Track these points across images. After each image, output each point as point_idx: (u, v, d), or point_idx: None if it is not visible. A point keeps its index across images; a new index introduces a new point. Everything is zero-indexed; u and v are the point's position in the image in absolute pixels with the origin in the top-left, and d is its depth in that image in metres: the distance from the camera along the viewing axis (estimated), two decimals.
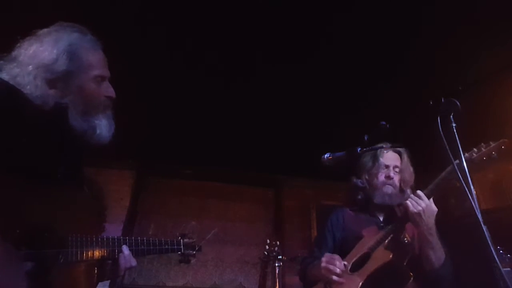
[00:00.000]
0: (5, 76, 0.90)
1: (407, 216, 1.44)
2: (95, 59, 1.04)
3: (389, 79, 2.66)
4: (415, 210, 1.37)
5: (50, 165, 0.87)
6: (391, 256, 1.39)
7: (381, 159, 1.69)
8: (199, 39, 2.34)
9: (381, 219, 1.67)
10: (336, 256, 1.47)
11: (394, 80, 2.67)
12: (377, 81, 2.69)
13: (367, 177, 1.73)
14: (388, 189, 1.64)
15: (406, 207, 1.40)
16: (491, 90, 2.63)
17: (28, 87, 0.90)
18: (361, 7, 2.09)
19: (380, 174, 1.67)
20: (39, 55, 0.93)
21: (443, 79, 2.53)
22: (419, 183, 1.54)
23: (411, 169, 1.72)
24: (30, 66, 0.91)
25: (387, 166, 1.68)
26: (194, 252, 1.34)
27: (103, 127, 1.04)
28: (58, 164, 0.91)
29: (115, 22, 2.18)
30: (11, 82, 0.89)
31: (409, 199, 1.41)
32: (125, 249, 1.05)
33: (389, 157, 1.71)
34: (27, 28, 0.97)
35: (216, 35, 2.31)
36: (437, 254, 1.39)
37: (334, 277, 1.41)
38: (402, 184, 1.68)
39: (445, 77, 2.53)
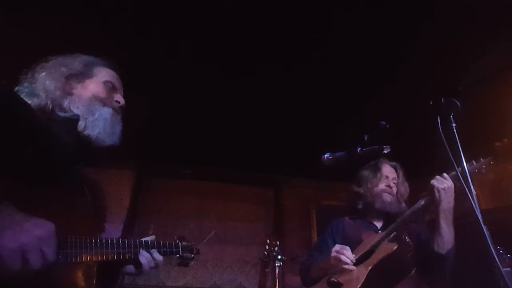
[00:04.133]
0: (26, 85, 1.03)
1: (410, 218, 1.55)
2: (106, 71, 1.18)
3: (389, 79, 2.66)
4: (442, 186, 1.49)
5: (49, 166, 0.87)
6: (395, 247, 1.46)
7: (382, 170, 1.84)
8: (200, 39, 2.34)
9: (379, 227, 1.75)
10: (346, 247, 1.53)
11: (394, 80, 2.67)
12: (377, 81, 2.69)
13: (369, 185, 1.83)
14: (388, 197, 1.77)
15: (433, 185, 1.51)
16: (491, 90, 2.63)
17: (47, 82, 1.03)
18: (362, 8, 2.09)
19: (381, 183, 1.80)
20: (62, 59, 1.12)
21: (443, 79, 2.53)
22: (418, 183, 1.57)
23: (406, 184, 1.86)
24: (51, 62, 1.09)
25: (387, 177, 1.82)
26: (193, 256, 1.34)
27: (103, 116, 1.06)
28: (57, 165, 0.91)
29: (115, 22, 2.19)
30: (35, 85, 1.02)
31: (435, 179, 1.53)
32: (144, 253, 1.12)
33: (389, 170, 1.86)
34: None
35: (217, 35, 2.31)
36: (451, 235, 1.50)
37: (345, 266, 1.46)
38: (399, 196, 1.80)
39: (445, 77, 2.53)
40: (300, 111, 3.11)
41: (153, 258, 1.14)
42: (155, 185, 4.15)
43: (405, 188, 1.83)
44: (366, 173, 1.88)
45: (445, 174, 1.54)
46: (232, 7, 2.09)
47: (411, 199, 1.77)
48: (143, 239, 1.18)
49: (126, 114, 1.20)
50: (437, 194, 1.50)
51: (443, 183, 1.51)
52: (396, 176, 1.84)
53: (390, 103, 2.73)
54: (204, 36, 2.32)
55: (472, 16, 2.09)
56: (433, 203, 1.54)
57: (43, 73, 1.04)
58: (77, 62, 1.12)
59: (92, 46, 1.21)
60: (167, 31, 2.28)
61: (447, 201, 1.49)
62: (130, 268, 1.18)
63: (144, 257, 1.12)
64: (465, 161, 1.31)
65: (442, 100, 1.16)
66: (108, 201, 1.13)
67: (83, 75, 1.11)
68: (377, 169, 1.84)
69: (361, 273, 1.43)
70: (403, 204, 1.78)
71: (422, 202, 1.59)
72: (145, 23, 2.23)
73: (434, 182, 1.53)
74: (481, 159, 1.52)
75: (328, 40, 2.35)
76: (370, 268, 1.44)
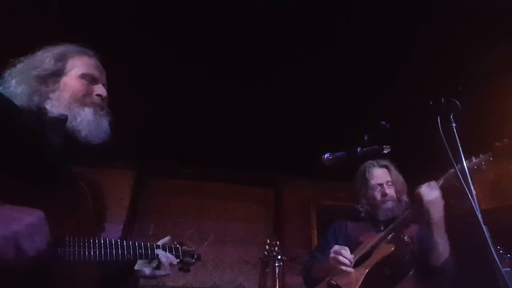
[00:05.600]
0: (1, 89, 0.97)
1: (407, 218, 1.52)
2: (80, 61, 1.09)
3: (389, 79, 2.66)
4: (431, 198, 1.45)
5: (38, 165, 0.87)
6: (393, 248, 1.46)
7: (372, 181, 1.77)
8: (200, 40, 2.34)
9: (382, 228, 1.72)
10: (345, 247, 1.52)
11: (394, 80, 2.67)
12: (377, 81, 2.69)
13: (365, 200, 1.80)
14: (388, 204, 1.72)
15: (420, 196, 1.47)
16: (491, 90, 2.63)
17: (21, 88, 0.97)
18: (362, 8, 2.09)
19: (376, 193, 1.75)
20: (31, 60, 1.04)
21: (443, 79, 2.53)
22: (418, 183, 1.56)
23: (401, 178, 1.80)
24: (19, 66, 1.02)
25: (380, 185, 1.76)
26: (193, 261, 1.34)
27: (85, 118, 1.02)
28: (45, 164, 0.91)
29: (116, 22, 2.19)
30: (7, 90, 0.96)
31: (423, 188, 1.48)
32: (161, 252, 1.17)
33: (379, 175, 1.79)
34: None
35: (217, 36, 2.31)
36: (445, 245, 1.46)
37: (342, 267, 1.44)
38: (398, 195, 1.75)
39: (445, 77, 2.53)
40: (300, 111, 3.11)
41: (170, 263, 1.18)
42: (155, 185, 4.14)
43: (400, 184, 1.78)
44: (358, 187, 1.83)
45: (432, 183, 1.50)
46: (233, 7, 2.09)
47: (412, 198, 1.75)
48: (158, 242, 1.21)
49: (127, 114, 1.19)
50: (426, 206, 1.46)
51: (430, 195, 1.46)
52: (389, 178, 1.78)
53: (390, 103, 2.73)
54: (205, 36, 2.32)
55: (472, 16, 2.09)
56: (422, 212, 1.49)
57: (13, 80, 0.98)
58: (47, 59, 1.04)
59: (92, 44, 1.16)
60: (167, 31, 2.28)
61: (436, 212, 1.45)
62: (145, 271, 1.20)
63: (164, 256, 1.17)
64: (464, 159, 1.31)
65: (442, 100, 1.16)
66: (108, 201, 1.14)
67: (57, 73, 1.03)
68: (366, 180, 1.79)
69: (360, 274, 1.43)
70: (404, 199, 1.74)
71: (410, 210, 1.56)
72: (145, 22, 2.23)
73: (421, 192, 1.48)
74: (480, 155, 1.48)
75: (329, 41, 2.35)
76: (367, 270, 1.44)
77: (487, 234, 0.95)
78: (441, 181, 1.50)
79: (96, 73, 1.11)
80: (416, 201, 1.51)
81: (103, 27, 2.20)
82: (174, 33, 2.29)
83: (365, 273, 1.43)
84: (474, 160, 1.47)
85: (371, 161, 1.82)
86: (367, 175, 1.80)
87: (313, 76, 2.68)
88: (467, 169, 1.16)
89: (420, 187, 1.49)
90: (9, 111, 0.86)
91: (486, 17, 2.09)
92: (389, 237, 1.53)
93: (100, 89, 1.09)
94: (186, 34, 2.31)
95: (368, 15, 2.13)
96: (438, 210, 1.45)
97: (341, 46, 2.39)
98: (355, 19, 2.17)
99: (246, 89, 2.83)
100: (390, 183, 1.77)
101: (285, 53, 2.46)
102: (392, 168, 1.81)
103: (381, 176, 1.79)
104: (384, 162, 1.82)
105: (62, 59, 1.06)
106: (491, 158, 1.47)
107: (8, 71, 1.01)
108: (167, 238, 1.29)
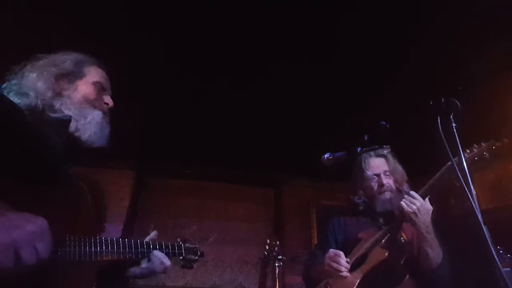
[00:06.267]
0: (14, 82, 1.01)
1: (403, 216, 1.46)
2: (95, 70, 1.17)
3: (389, 79, 2.66)
4: (411, 210, 1.40)
5: (38, 167, 0.87)
6: (386, 254, 1.43)
7: (368, 172, 1.71)
8: (200, 41, 2.34)
9: (382, 221, 1.68)
10: (340, 252, 1.50)
11: (394, 80, 2.67)
12: (377, 81, 2.69)
13: (362, 192, 1.75)
14: (386, 195, 1.65)
15: (401, 208, 1.43)
16: (491, 90, 2.62)
17: (39, 83, 1.01)
18: (362, 9, 2.09)
19: (373, 184, 1.69)
20: (51, 59, 1.11)
21: (443, 79, 2.53)
22: (419, 183, 1.55)
23: (400, 167, 1.74)
24: (42, 61, 1.08)
25: (377, 175, 1.70)
26: (197, 258, 1.34)
27: (94, 119, 1.07)
28: (46, 165, 0.91)
29: (116, 23, 2.19)
30: (21, 83, 1.00)
31: (404, 199, 1.45)
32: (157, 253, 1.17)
33: (376, 165, 1.72)
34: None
35: (217, 36, 2.31)
36: (435, 252, 1.42)
37: (337, 273, 1.43)
38: (397, 185, 1.69)
39: (445, 77, 2.53)
40: (300, 111, 3.11)
41: (162, 263, 1.17)
42: (155, 185, 4.14)
43: (399, 173, 1.71)
44: (355, 178, 1.77)
45: (412, 192, 1.44)
46: (235, 6, 2.09)
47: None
48: (146, 239, 1.19)
49: (127, 114, 1.20)
50: (412, 218, 1.40)
51: (412, 206, 1.40)
52: (386, 168, 1.71)
53: (390, 103, 2.73)
54: (204, 36, 2.32)
55: (472, 16, 2.09)
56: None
57: (34, 74, 1.02)
58: (67, 61, 1.11)
59: (92, 45, 1.19)
60: (168, 31, 2.28)
61: (422, 222, 1.39)
62: (134, 271, 1.19)
63: (157, 257, 1.16)
64: (465, 151, 1.28)
65: (442, 100, 1.15)
66: (108, 201, 1.14)
67: (73, 75, 1.09)
68: (363, 171, 1.72)
69: (355, 279, 1.42)
70: (405, 188, 1.67)
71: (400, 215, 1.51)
72: (146, 23, 2.23)
73: (403, 205, 1.42)
74: (482, 144, 1.40)
75: (329, 41, 2.35)
76: (361, 276, 1.42)
77: (487, 234, 0.95)
78: (427, 185, 1.45)
79: (106, 83, 1.18)
80: (400, 211, 1.47)
81: (103, 27, 2.20)
82: (174, 34, 2.29)
83: (360, 278, 1.41)
84: (475, 150, 1.39)
85: (368, 152, 1.72)
86: (363, 166, 1.73)
87: (313, 76, 2.68)
88: (468, 160, 1.13)
89: (402, 200, 1.45)
90: (11, 112, 0.86)
91: (486, 17, 2.09)
92: (384, 239, 1.50)
93: (108, 99, 1.16)
94: (186, 35, 2.31)
95: (368, 15, 2.13)
96: (423, 219, 1.39)
97: (341, 45, 2.39)
98: (355, 19, 2.17)
99: (246, 89, 2.83)
100: (387, 173, 1.70)
101: (285, 53, 2.46)
102: (390, 157, 1.74)
103: (378, 166, 1.71)
104: (382, 152, 1.73)
105: (80, 64, 1.13)
106: (493, 147, 1.38)
107: (30, 62, 1.07)
108: (153, 234, 1.27)
